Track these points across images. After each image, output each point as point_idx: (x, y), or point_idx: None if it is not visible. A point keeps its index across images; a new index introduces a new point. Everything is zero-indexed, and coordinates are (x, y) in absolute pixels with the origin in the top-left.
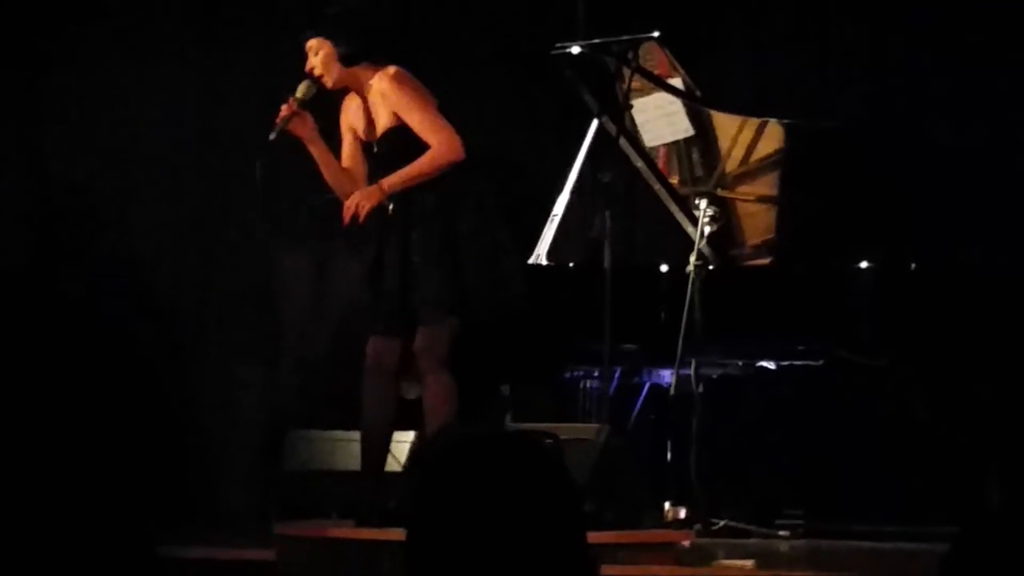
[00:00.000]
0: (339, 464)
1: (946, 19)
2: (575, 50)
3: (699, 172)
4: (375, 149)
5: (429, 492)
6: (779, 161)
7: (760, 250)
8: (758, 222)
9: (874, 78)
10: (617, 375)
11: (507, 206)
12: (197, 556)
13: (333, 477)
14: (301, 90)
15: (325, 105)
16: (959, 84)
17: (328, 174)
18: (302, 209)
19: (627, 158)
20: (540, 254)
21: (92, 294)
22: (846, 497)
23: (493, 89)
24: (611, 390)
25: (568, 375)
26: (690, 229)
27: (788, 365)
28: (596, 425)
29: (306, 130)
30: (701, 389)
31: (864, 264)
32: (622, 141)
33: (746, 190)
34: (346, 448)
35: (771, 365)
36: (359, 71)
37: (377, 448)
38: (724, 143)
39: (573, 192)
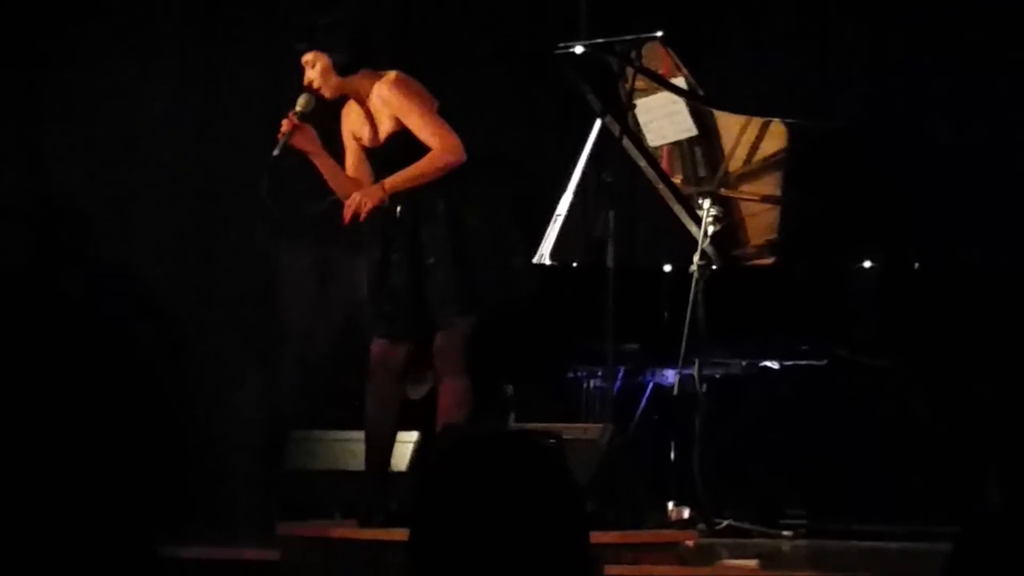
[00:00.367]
0: (342, 464)
1: (946, 19)
2: (578, 50)
3: (702, 172)
4: (379, 155)
5: (432, 492)
6: (782, 161)
7: (763, 250)
8: (761, 222)
9: (874, 78)
10: (620, 375)
11: (511, 206)
12: (199, 556)
13: (336, 477)
14: (301, 103)
15: (325, 115)
16: (959, 84)
17: (335, 184)
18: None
19: (630, 158)
20: (543, 254)
21: (93, 295)
22: (849, 497)
23: (495, 89)
24: (614, 390)
25: (571, 375)
26: (693, 229)
27: (791, 365)
28: (599, 425)
29: (309, 143)
30: (704, 389)
31: (867, 264)
32: (625, 141)
33: (749, 190)
34: (349, 448)
35: (774, 365)
36: (358, 79)
37: (381, 448)
38: (727, 143)
39: (576, 192)
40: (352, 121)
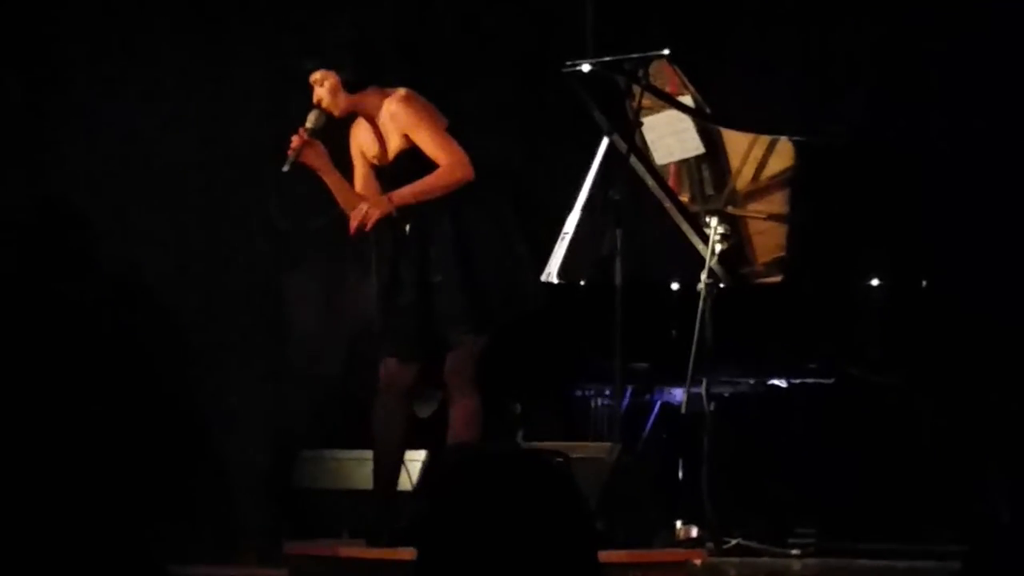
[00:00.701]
0: (350, 483)
1: (951, 32)
2: (585, 68)
3: (709, 190)
4: (387, 172)
5: (440, 511)
6: (790, 179)
7: (771, 268)
8: (769, 240)
9: (878, 94)
10: (628, 393)
11: (518, 224)
12: (208, 575)
13: (344, 496)
14: (311, 120)
15: (335, 133)
16: (967, 99)
17: (344, 201)
18: (308, 229)
19: (637, 176)
20: (551, 272)
21: (100, 310)
22: (858, 515)
23: (503, 107)
24: (622, 408)
25: (579, 393)
26: (701, 247)
27: (799, 383)
28: (607, 444)
29: (319, 159)
30: (712, 407)
31: (875, 282)
32: (632, 159)
33: (757, 208)
34: (357, 467)
35: (782, 383)
36: (367, 96)
37: (389, 467)
38: (734, 161)
39: (584, 210)
40: (361, 139)
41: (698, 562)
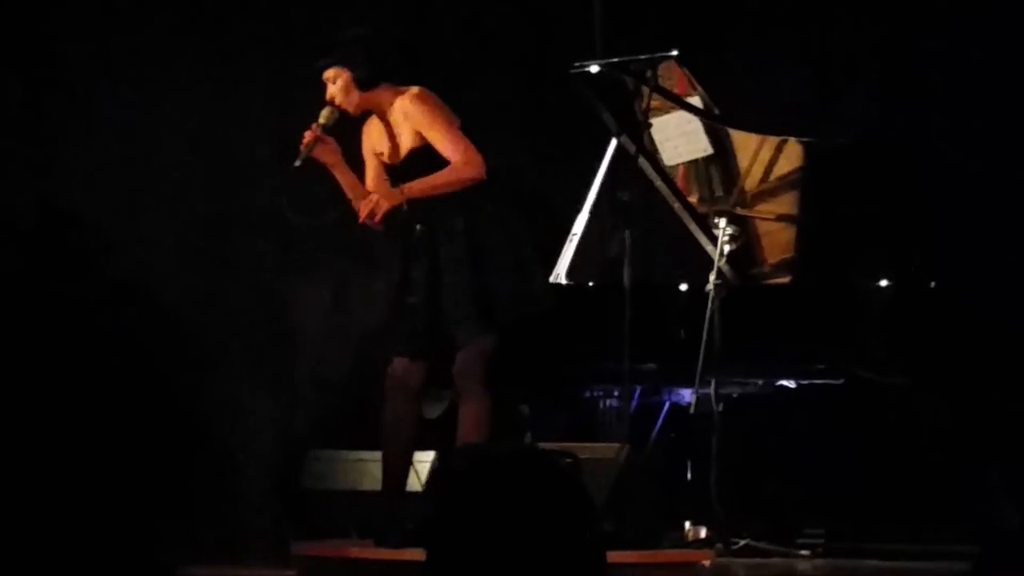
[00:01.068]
0: (358, 484)
1: (953, 30)
2: (594, 69)
3: (718, 191)
4: (398, 171)
5: (448, 511)
6: (798, 179)
7: (779, 268)
8: (777, 240)
9: (884, 94)
10: (636, 394)
11: (528, 225)
12: (215, 575)
13: (352, 497)
14: (324, 116)
15: (347, 130)
16: (973, 101)
17: (355, 198)
18: (317, 226)
19: (646, 177)
20: (559, 273)
21: (101, 310)
22: (866, 516)
23: (512, 109)
24: (631, 409)
25: (587, 394)
26: (709, 248)
27: (808, 384)
28: (615, 444)
29: (331, 156)
30: (721, 408)
31: (883, 283)
32: (641, 160)
33: (765, 208)
34: (366, 468)
35: (791, 384)
36: (380, 94)
37: (397, 468)
38: (743, 161)
39: (592, 211)
40: (373, 137)
41: (707, 563)
